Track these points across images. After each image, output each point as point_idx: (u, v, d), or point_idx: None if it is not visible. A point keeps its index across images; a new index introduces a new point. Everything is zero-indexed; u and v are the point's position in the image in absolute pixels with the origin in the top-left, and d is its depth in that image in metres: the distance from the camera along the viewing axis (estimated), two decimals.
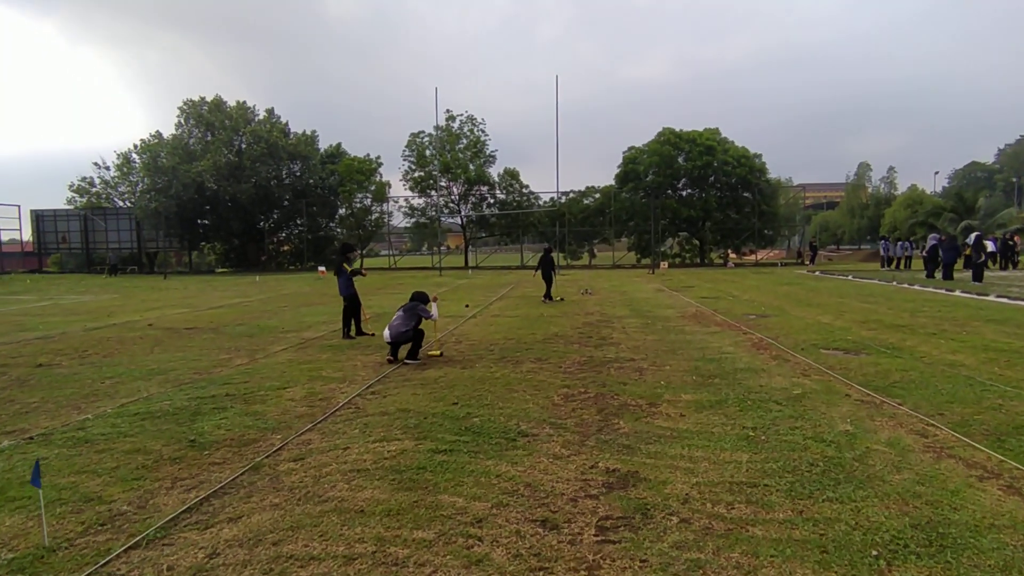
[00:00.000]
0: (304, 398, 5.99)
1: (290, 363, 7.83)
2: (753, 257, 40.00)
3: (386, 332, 7.78)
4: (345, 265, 10.11)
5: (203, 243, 43.37)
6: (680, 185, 38.84)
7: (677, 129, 37.93)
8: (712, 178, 37.51)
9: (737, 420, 4.98)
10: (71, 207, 40.48)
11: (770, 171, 38.59)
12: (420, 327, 7.90)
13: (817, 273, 25.59)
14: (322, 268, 29.01)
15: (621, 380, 6.50)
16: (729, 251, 39.81)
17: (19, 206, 42.08)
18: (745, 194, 38.01)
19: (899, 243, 26.77)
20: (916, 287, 16.93)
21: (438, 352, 8.18)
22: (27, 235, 42.20)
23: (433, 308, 8.21)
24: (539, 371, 7.05)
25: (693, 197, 38.31)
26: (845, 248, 70.36)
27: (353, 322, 10.24)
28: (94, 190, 40.25)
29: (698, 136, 37.09)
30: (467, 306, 14.48)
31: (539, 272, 15.83)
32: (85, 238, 41.18)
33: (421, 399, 5.85)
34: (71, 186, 39.26)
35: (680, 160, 37.51)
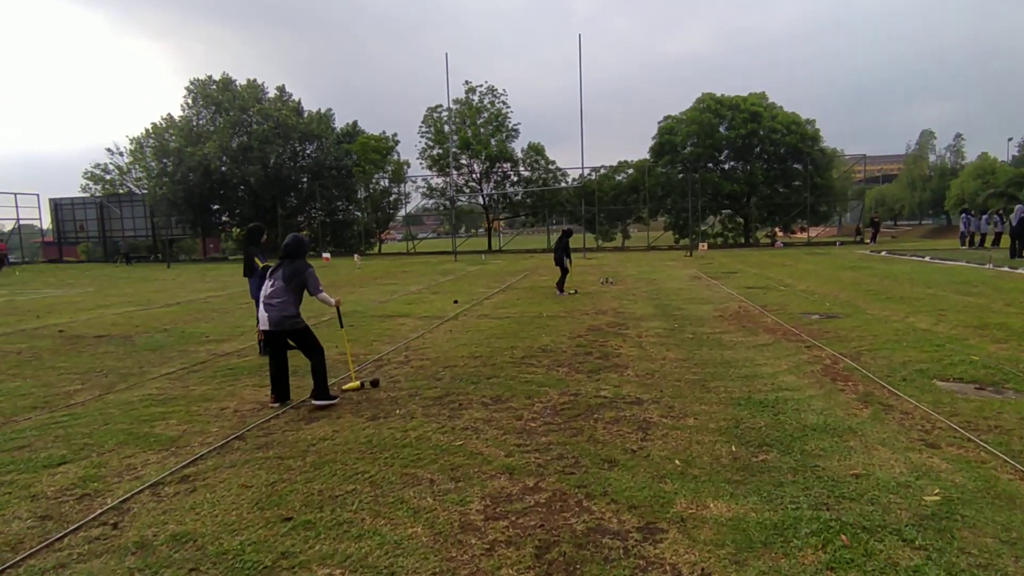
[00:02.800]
0: (55, 495, 3.55)
1: (140, 401, 5.45)
2: (804, 236, 36.11)
3: (261, 314, 5.11)
4: (256, 260, 7.47)
5: (217, 228, 41.95)
6: (722, 157, 35.15)
7: (718, 95, 34.16)
8: (758, 148, 33.68)
9: None
10: (86, 195, 39.63)
11: (824, 139, 34.45)
12: (313, 336, 5.20)
13: (883, 253, 21.99)
14: (326, 255, 26.94)
15: (606, 455, 3.84)
16: (777, 229, 36.03)
17: (38, 195, 41.52)
18: (796, 165, 34.07)
19: (984, 216, 22.80)
20: (1022, 271, 13.49)
21: (356, 384, 5.65)
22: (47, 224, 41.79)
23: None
24: (483, 428, 4.44)
25: (736, 170, 34.63)
26: (904, 223, 64.93)
27: None
28: (108, 177, 39.24)
29: (742, 102, 33.26)
30: (456, 301, 11.94)
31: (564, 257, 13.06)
32: (101, 226, 40.35)
33: (243, 502, 3.33)
34: (85, 173, 38.30)
35: (722, 129, 33.81)
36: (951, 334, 7.04)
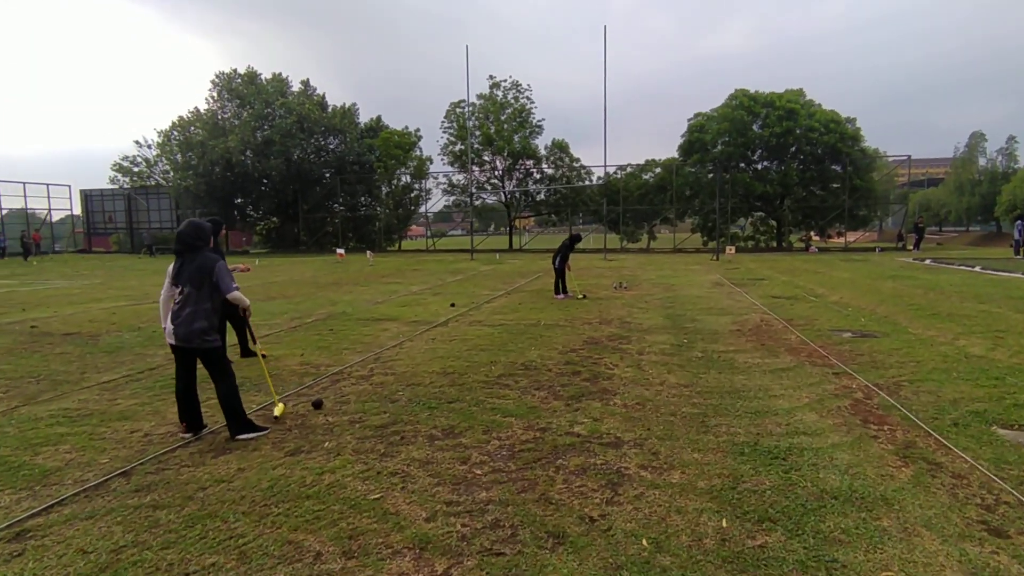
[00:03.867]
0: None
1: (49, 418, 4.77)
2: (841, 241, 34.29)
3: (167, 325, 4.20)
4: None
5: (246, 221, 42.02)
6: (755, 156, 33.60)
7: (752, 91, 32.63)
8: (794, 148, 32.06)
9: None
10: (115, 186, 40.13)
11: (865, 139, 32.58)
12: (217, 343, 4.24)
13: (927, 262, 20.42)
14: (340, 251, 26.46)
15: (555, 524, 2.95)
16: (812, 233, 34.31)
17: (69, 186, 42.27)
18: (834, 166, 32.34)
19: None
20: None
21: (281, 408, 4.79)
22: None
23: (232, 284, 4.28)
24: (415, 474, 3.60)
25: (770, 170, 33.07)
26: (949, 229, 61.90)
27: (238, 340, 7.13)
28: (137, 169, 39.65)
29: (777, 99, 31.69)
30: (453, 305, 11.13)
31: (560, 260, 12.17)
32: (129, 218, 40.85)
33: None
34: (113, 165, 38.75)
35: (755, 127, 32.28)
36: (1012, 363, 5.91)
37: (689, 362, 6.35)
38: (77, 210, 42.11)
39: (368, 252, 26.10)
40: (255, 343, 5.68)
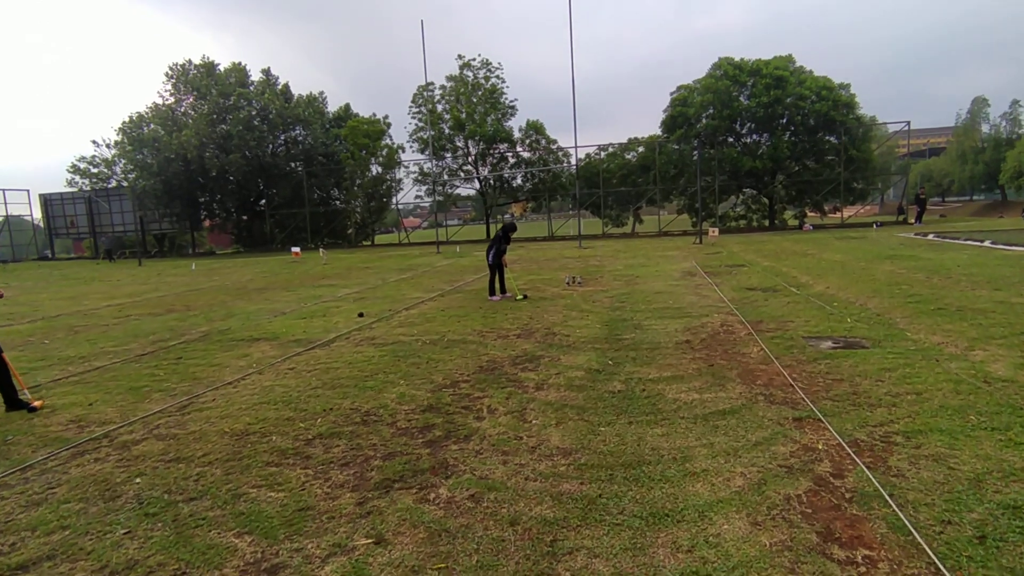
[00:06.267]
0: None
1: None
2: (839, 216, 32.25)
3: None
4: None
5: (205, 221, 40.10)
6: (743, 130, 31.45)
7: (737, 59, 30.44)
8: (784, 118, 29.87)
9: None
10: (74, 189, 38.26)
11: (861, 106, 30.34)
12: None
13: (930, 237, 18.46)
14: (296, 249, 24.57)
15: None
16: (807, 210, 32.25)
17: (28, 190, 40.48)
18: (828, 137, 30.17)
19: None
20: None
21: None
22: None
23: None
24: None
25: (759, 144, 30.94)
26: (953, 200, 59.74)
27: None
28: (95, 170, 37.73)
29: (764, 66, 29.45)
30: (361, 315, 9.31)
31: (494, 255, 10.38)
32: (91, 221, 39.01)
33: None
34: (70, 167, 36.82)
35: (742, 98, 30.12)
36: None
37: (597, 402, 4.53)
38: (37, 215, 40.31)
39: (321, 250, 24.24)
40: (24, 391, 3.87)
